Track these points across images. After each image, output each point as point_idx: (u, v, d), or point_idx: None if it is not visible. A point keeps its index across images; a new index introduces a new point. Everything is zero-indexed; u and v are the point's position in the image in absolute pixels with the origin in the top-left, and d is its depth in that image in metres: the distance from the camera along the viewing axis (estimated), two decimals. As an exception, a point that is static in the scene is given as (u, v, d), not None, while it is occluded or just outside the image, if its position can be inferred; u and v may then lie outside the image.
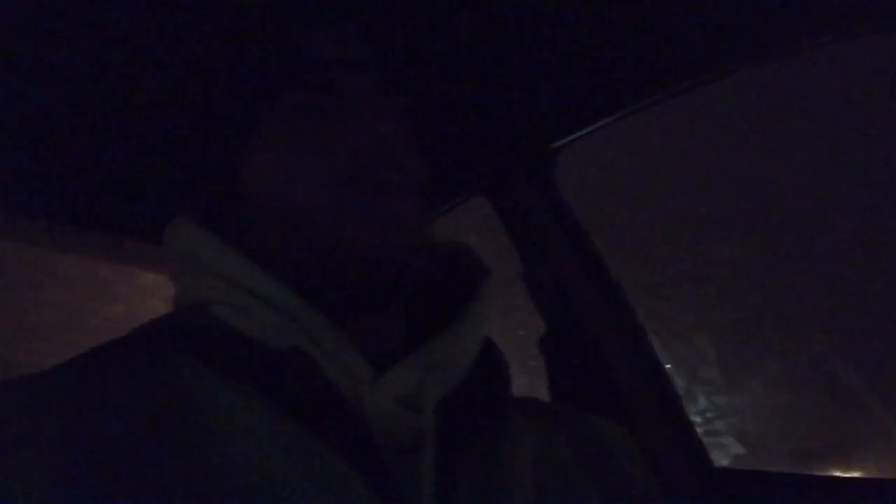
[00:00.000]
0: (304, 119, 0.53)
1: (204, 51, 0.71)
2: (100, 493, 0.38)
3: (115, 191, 0.96)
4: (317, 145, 0.52)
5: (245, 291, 0.50)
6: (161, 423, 0.42)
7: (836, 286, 5.07)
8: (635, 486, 0.58)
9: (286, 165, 0.52)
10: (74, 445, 0.40)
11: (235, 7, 0.65)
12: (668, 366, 1.02)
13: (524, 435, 0.54)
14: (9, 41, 0.71)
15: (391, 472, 0.44)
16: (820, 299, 5.14)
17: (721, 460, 5.09)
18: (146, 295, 4.20)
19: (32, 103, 0.80)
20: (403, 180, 0.51)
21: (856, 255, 4.89)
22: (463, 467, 0.47)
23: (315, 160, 0.51)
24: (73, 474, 0.39)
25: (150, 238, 1.03)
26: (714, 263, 5.38)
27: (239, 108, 0.55)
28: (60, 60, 0.74)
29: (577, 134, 0.99)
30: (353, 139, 0.51)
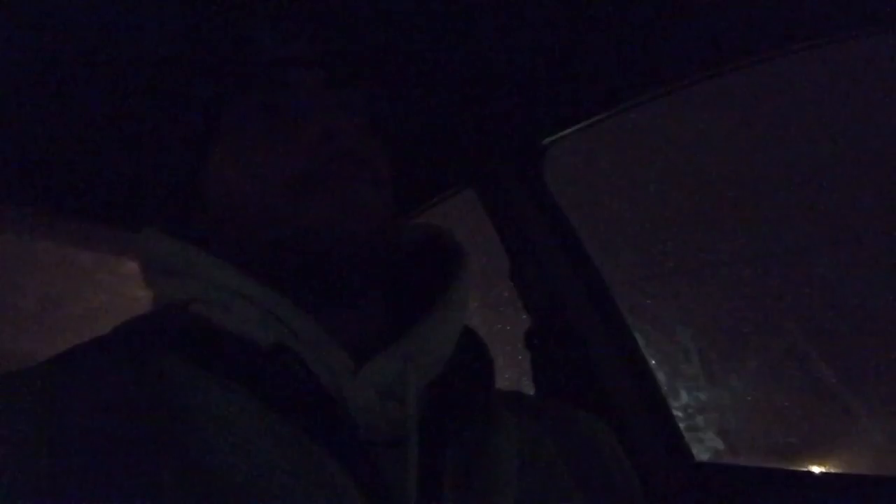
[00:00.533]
0: (256, 121, 0.53)
1: (164, 54, 0.71)
2: (82, 494, 0.38)
3: (95, 178, 0.95)
4: (269, 146, 0.52)
5: (224, 289, 0.50)
6: (145, 421, 0.42)
7: (815, 285, 5.13)
8: (617, 481, 0.58)
9: (242, 169, 0.52)
10: (56, 446, 0.40)
11: (190, 10, 0.66)
12: (650, 361, 1.03)
13: (509, 427, 0.55)
14: None
15: (375, 464, 0.44)
16: (800, 298, 5.21)
17: (701, 455, 5.16)
18: (128, 283, 4.16)
19: (9, 92, 0.79)
20: (359, 170, 0.52)
21: (836, 255, 4.95)
22: (447, 459, 0.47)
23: (269, 161, 0.51)
24: (54, 474, 0.38)
25: (131, 226, 1.02)
26: (696, 261, 5.43)
27: (196, 113, 0.55)
28: (35, 55, 0.74)
29: (567, 130, 0.99)
30: (304, 136, 0.52)
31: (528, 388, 1.04)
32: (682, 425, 1.01)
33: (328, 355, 0.48)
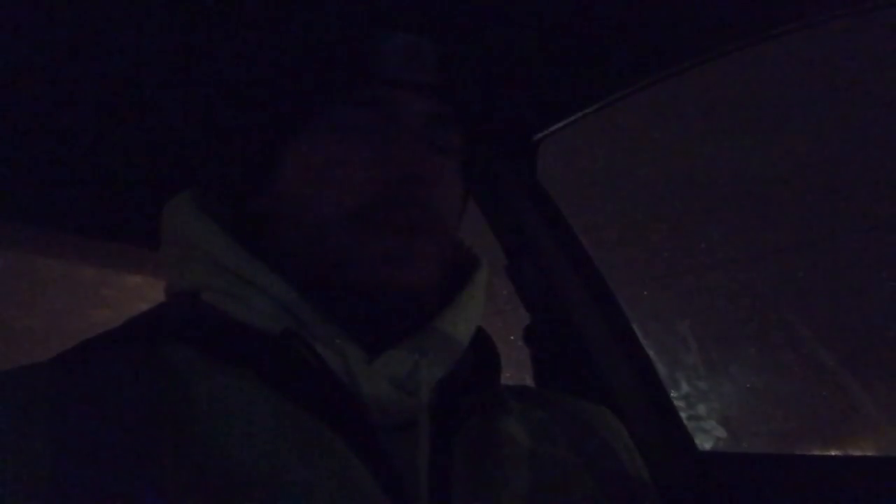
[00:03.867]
0: (348, 135, 0.51)
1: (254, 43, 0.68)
2: (87, 494, 0.38)
3: (99, 193, 0.95)
4: (350, 168, 0.50)
5: (237, 278, 0.50)
6: (155, 414, 0.43)
7: (813, 271, 5.15)
8: (626, 469, 0.59)
9: (316, 178, 0.51)
10: (63, 445, 0.40)
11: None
12: (650, 353, 1.03)
13: (516, 415, 0.56)
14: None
15: (387, 450, 0.45)
16: (798, 284, 5.22)
17: (704, 444, 5.17)
18: (133, 298, 4.16)
19: (15, 106, 0.79)
20: (429, 224, 0.51)
21: (833, 242, 4.97)
22: (457, 445, 0.48)
23: (350, 180, 0.50)
24: (60, 474, 0.39)
25: (136, 241, 1.02)
26: (693, 252, 5.44)
27: (289, 107, 0.53)
28: (62, 63, 0.73)
29: (558, 125, 0.99)
30: (388, 170, 0.50)
31: (530, 385, 1.04)
32: (684, 415, 1.02)
33: (340, 346, 0.49)
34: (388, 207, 0.50)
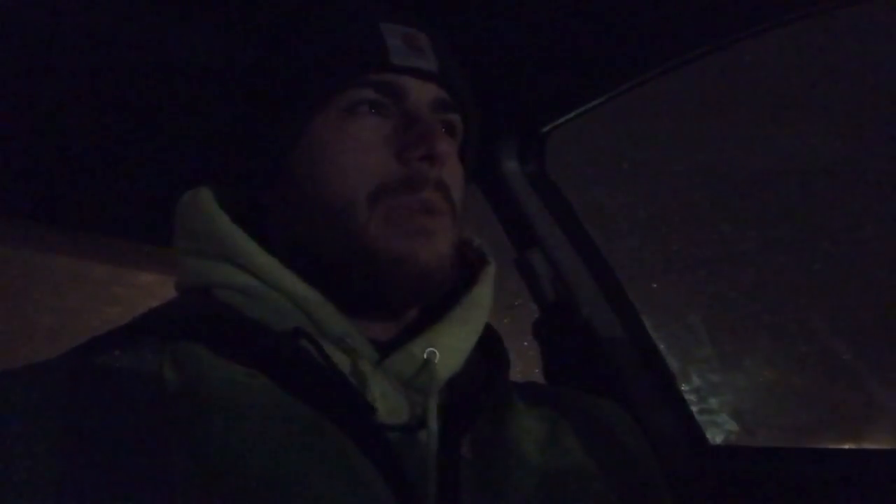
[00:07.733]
0: (365, 116, 0.52)
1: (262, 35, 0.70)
2: (94, 492, 0.39)
3: (110, 192, 0.96)
4: (374, 146, 0.51)
5: (250, 275, 0.51)
6: (165, 411, 0.43)
7: (826, 262, 5.11)
8: (637, 465, 0.59)
9: (334, 157, 0.51)
10: (75, 442, 0.40)
11: None
12: (660, 346, 1.02)
13: (525, 416, 0.56)
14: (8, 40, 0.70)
15: (396, 449, 0.46)
16: (810, 275, 5.18)
17: (716, 438, 5.14)
18: (144, 295, 4.19)
19: (29, 105, 0.80)
20: (444, 204, 0.52)
21: (845, 232, 4.92)
22: (466, 445, 0.49)
23: (369, 160, 0.51)
24: (69, 471, 0.39)
25: (147, 238, 1.03)
26: (704, 243, 5.40)
27: (295, 99, 0.53)
28: (65, 59, 0.74)
29: (566, 117, 0.99)
30: (412, 150, 0.51)
31: (539, 381, 1.04)
32: (695, 409, 1.01)
33: (351, 345, 0.49)
34: (407, 188, 0.50)
